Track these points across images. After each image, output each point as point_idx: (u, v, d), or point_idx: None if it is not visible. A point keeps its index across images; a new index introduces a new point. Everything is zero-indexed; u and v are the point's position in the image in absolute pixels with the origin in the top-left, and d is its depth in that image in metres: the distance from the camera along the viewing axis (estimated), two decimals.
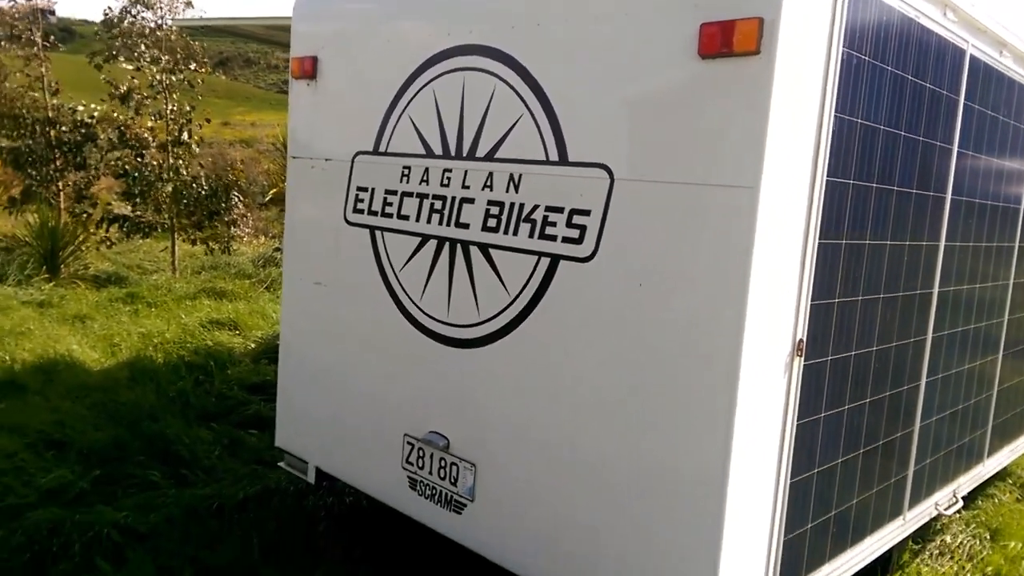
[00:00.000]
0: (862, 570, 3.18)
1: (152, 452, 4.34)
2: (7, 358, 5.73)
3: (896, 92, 2.68)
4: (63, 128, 9.77)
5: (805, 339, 2.45)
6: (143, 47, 9.71)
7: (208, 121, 10.44)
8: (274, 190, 17.38)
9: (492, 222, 2.89)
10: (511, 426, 2.85)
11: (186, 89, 10.08)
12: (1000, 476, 4.72)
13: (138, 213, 9.72)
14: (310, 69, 3.58)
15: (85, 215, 9.66)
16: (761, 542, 2.47)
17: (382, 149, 3.29)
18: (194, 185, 9.85)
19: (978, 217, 3.49)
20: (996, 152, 3.56)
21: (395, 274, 3.25)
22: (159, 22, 9.97)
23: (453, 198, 3.02)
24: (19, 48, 9.76)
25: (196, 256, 10.83)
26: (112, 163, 9.75)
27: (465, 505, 3.00)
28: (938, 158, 3.05)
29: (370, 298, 3.34)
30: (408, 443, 3.19)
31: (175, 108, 9.87)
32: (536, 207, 2.74)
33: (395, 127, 3.23)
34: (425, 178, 3.13)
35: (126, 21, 9.80)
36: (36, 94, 9.86)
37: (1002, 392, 4.17)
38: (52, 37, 10.61)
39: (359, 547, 3.56)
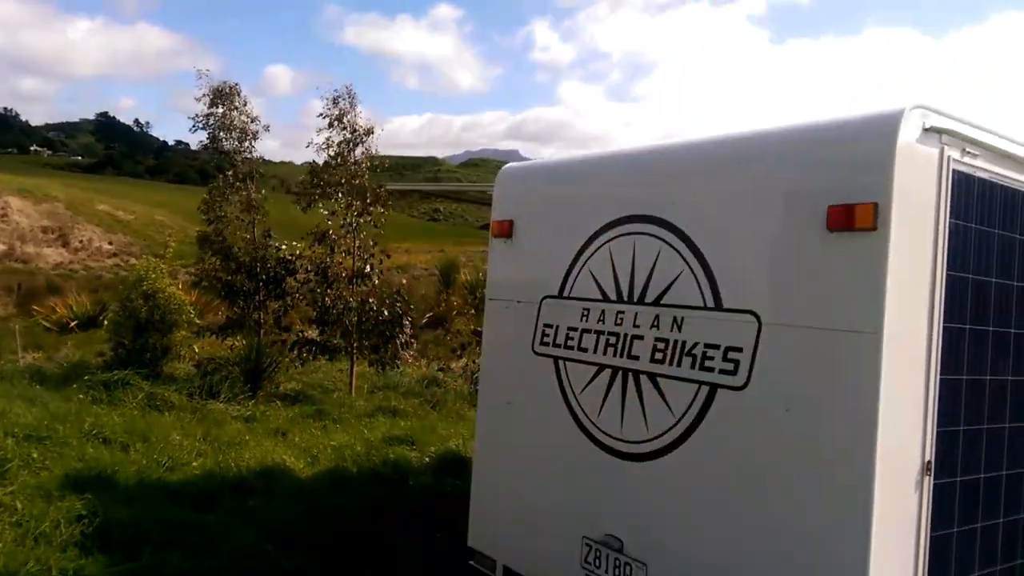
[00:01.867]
0: None
1: (362, 548, 5.17)
2: (233, 465, 6.89)
3: (1006, 250, 3.23)
4: (269, 264, 11.52)
5: (933, 459, 2.94)
6: (340, 194, 11.41)
7: (388, 256, 11.94)
8: (430, 313, 18.93)
9: (659, 355, 3.61)
10: (677, 530, 3.44)
11: (372, 227, 11.64)
12: None
13: (326, 338, 11.17)
14: (507, 230, 4.55)
15: (281, 341, 11.20)
16: None
17: (566, 294, 4.14)
18: (372, 312, 11.22)
19: None
20: None
21: (575, 396, 4.00)
22: (355, 169, 11.59)
23: (625, 335, 3.78)
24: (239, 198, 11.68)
25: (367, 376, 12.10)
26: (307, 294, 11.32)
27: None
28: None
29: (553, 417, 4.09)
30: (586, 544, 3.83)
31: (361, 245, 11.41)
32: (696, 343, 3.44)
33: (577, 277, 4.08)
34: (602, 318, 3.92)
35: (328, 171, 11.52)
36: (247, 234, 11.73)
37: None
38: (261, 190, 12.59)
39: None
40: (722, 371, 3.32)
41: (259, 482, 6.48)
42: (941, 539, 2.99)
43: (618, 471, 3.73)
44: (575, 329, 4.08)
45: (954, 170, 3.00)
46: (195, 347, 12.59)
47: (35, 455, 6.25)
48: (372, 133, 11.82)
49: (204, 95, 11.69)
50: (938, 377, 2.95)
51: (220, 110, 11.79)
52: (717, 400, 3.33)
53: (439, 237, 43.22)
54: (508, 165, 4.92)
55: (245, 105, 11.95)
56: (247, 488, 6.30)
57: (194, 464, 6.88)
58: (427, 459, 7.52)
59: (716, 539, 3.27)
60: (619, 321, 3.84)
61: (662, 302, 3.63)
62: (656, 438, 3.58)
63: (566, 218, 4.22)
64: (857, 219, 2.86)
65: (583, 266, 4.06)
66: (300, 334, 11.54)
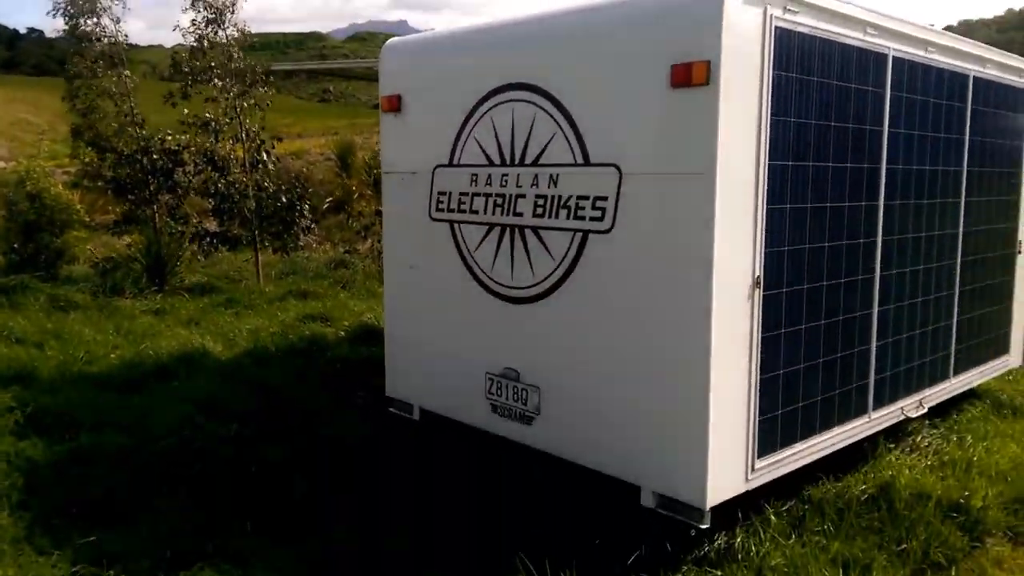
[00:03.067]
0: (846, 456, 4.35)
1: (287, 413, 5.69)
2: (152, 353, 7.20)
3: (823, 95, 3.83)
4: (155, 156, 11.32)
5: (762, 275, 3.62)
6: (215, 79, 11.14)
7: (280, 140, 11.89)
8: (330, 199, 18.95)
9: (539, 210, 4.13)
10: (563, 355, 4.08)
11: (256, 112, 11.49)
12: (976, 395, 5.77)
13: (225, 228, 11.25)
14: (396, 104, 4.89)
15: (179, 232, 11.21)
16: (740, 418, 3.65)
17: (455, 162, 4.57)
18: (270, 199, 11.31)
19: (916, 180, 4.59)
20: (927, 127, 4.65)
21: (471, 253, 4.52)
22: (226, 50, 11.26)
23: (510, 194, 4.28)
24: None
25: (273, 264, 12.31)
26: (199, 185, 11.27)
27: (533, 418, 4.25)
28: (869, 138, 4.18)
29: (453, 273, 4.62)
30: (489, 378, 4.46)
31: (249, 131, 11.30)
32: (571, 196, 3.97)
33: (464, 145, 4.50)
34: (489, 181, 4.39)
35: (196, 56, 11.16)
36: (130, 129, 11.42)
37: (962, 322, 5.24)
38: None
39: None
40: (592, 218, 3.88)
41: (180, 366, 6.83)
42: (771, 339, 3.72)
43: (512, 313, 4.32)
44: (466, 194, 4.54)
45: (776, 27, 3.53)
46: (89, 247, 12.45)
47: None
48: (235, 8, 11.40)
49: None
50: (765, 207, 3.59)
51: None
52: (589, 244, 3.91)
53: (331, 118, 41.91)
54: (391, 40, 5.18)
55: None
56: (169, 372, 6.66)
57: (111, 356, 7.15)
58: (342, 333, 8.01)
59: (594, 361, 3.93)
60: (504, 183, 4.32)
61: (540, 162, 4.12)
62: (542, 282, 4.16)
63: (450, 90, 4.58)
64: (693, 76, 3.37)
65: (469, 135, 4.48)
66: (198, 226, 11.55)
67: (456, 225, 4.61)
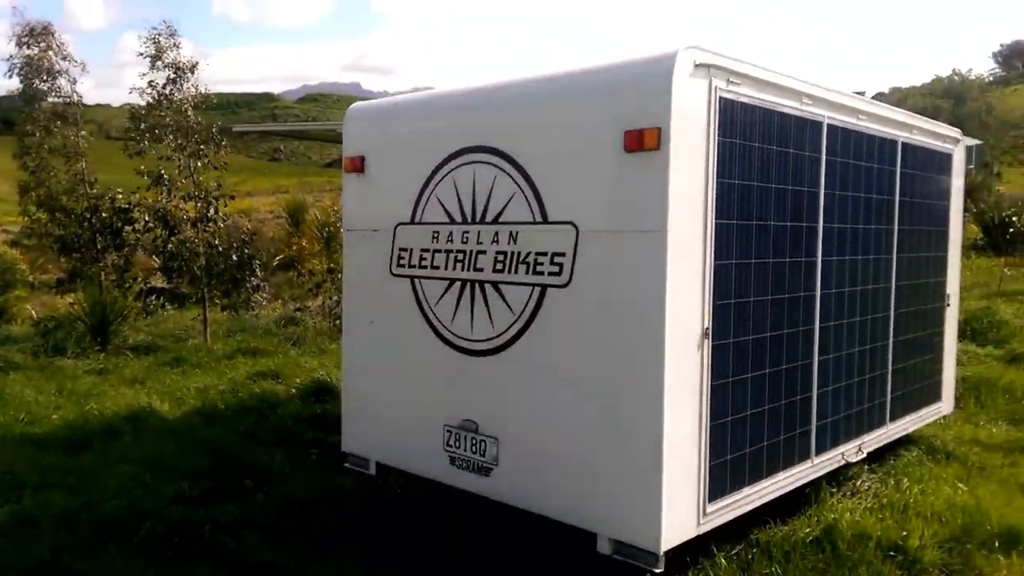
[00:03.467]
0: (791, 501, 4.53)
1: (239, 471, 5.64)
2: (97, 413, 7.06)
3: (764, 159, 4.13)
4: (103, 214, 11.24)
5: (711, 327, 3.84)
6: (170, 136, 11.19)
7: (233, 198, 11.91)
8: (279, 256, 18.90)
9: (499, 266, 4.30)
10: (522, 407, 4.20)
11: (211, 169, 11.54)
12: (911, 440, 6.06)
13: (173, 285, 11.15)
14: (359, 165, 5.05)
15: (127, 289, 11.07)
16: (692, 464, 3.80)
17: (417, 220, 4.73)
18: (221, 257, 11.29)
19: (851, 238, 4.91)
20: (861, 189, 5.00)
21: (431, 308, 4.65)
22: (182, 108, 11.34)
23: (471, 251, 4.44)
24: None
25: (221, 322, 12.20)
26: (149, 243, 11.19)
27: (491, 469, 4.33)
28: (807, 199, 4.49)
29: (412, 328, 4.73)
30: (447, 431, 4.54)
31: (200, 188, 11.30)
32: (529, 252, 4.15)
33: (427, 204, 4.67)
34: (450, 238, 4.55)
35: (154, 113, 11.23)
36: (80, 188, 11.34)
37: (897, 371, 5.54)
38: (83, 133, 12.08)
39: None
40: (550, 273, 4.06)
41: (126, 425, 6.74)
42: (719, 387, 3.92)
43: (471, 366, 4.43)
44: (427, 250, 4.69)
45: (720, 97, 3.82)
46: (27, 306, 12.17)
47: None
48: (196, 70, 11.56)
49: (15, 35, 11.03)
50: (712, 263, 3.82)
51: (35, 51, 11.18)
52: (547, 297, 4.08)
53: (282, 177, 41.93)
54: (356, 104, 5.37)
55: (61, 45, 11.40)
56: (115, 432, 6.56)
57: (54, 417, 7.01)
58: (293, 390, 7.97)
59: (552, 412, 4.06)
60: (465, 240, 4.49)
61: (500, 220, 4.30)
62: (501, 334, 4.29)
63: (413, 151, 4.77)
64: (645, 141, 3.62)
65: (431, 194, 4.65)
66: (145, 283, 11.43)
67: (417, 280, 4.74)
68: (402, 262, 4.84)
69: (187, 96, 11.34)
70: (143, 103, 11.43)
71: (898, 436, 5.73)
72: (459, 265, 4.51)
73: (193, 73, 11.51)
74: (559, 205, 4.03)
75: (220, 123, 12.07)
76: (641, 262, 3.67)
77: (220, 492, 5.20)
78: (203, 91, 11.66)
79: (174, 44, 11.31)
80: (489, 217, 4.36)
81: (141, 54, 11.18)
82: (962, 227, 6.67)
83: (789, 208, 4.35)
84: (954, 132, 6.20)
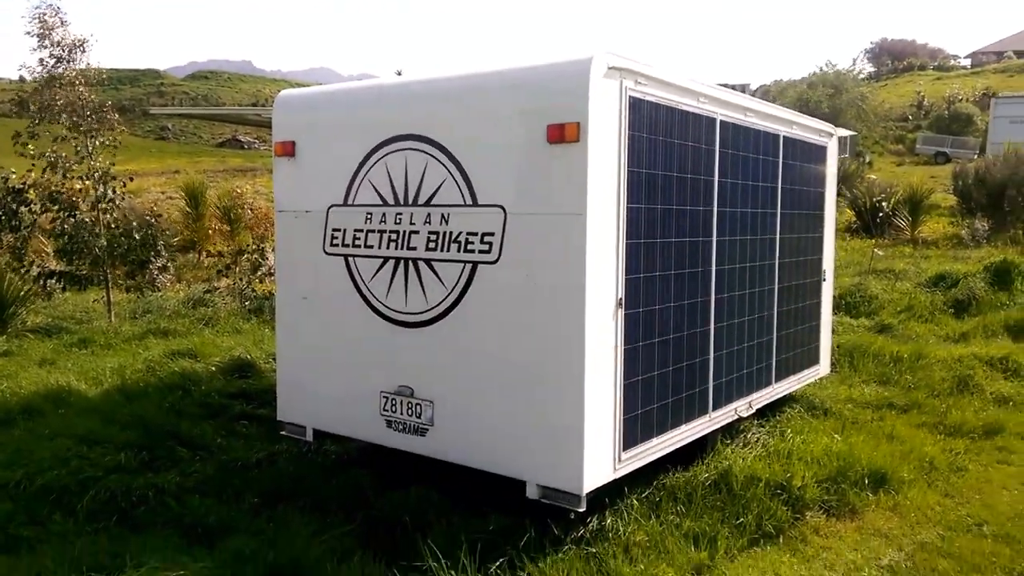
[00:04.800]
0: (691, 450, 5.21)
1: (172, 443, 5.89)
2: (11, 391, 7.08)
3: (667, 151, 4.74)
4: None
5: (623, 297, 4.43)
6: (63, 116, 10.95)
7: (132, 179, 11.76)
8: (178, 238, 18.55)
9: (432, 244, 4.76)
10: (455, 372, 4.69)
11: (107, 149, 11.35)
12: (793, 399, 6.93)
13: (74, 267, 10.97)
14: (291, 149, 5.37)
15: (24, 272, 10.82)
16: (608, 417, 4.40)
17: (350, 202, 5.11)
18: (123, 238, 11.18)
19: (740, 221, 5.63)
20: (748, 178, 5.72)
21: (366, 284, 5.06)
22: (74, 88, 11.14)
23: (404, 231, 4.88)
24: None
25: (125, 304, 12.06)
26: (47, 224, 10.95)
27: (427, 429, 4.81)
28: (703, 186, 5.14)
29: (347, 302, 5.13)
30: (384, 396, 4.98)
31: (101, 169, 11.13)
32: (461, 232, 4.63)
33: (359, 187, 5.06)
34: (383, 220, 4.97)
35: (44, 93, 10.97)
36: None
37: (780, 337, 6.35)
38: None
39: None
40: (480, 251, 4.55)
41: (47, 404, 6.80)
42: (631, 350, 4.52)
43: (406, 337, 4.88)
44: (361, 231, 5.09)
45: (630, 96, 4.39)
46: None
47: None
48: (84, 46, 11.34)
49: None
50: (624, 241, 4.41)
51: None
52: (478, 273, 4.57)
53: (170, 156, 40.42)
54: (285, 92, 5.68)
55: None
56: (37, 410, 6.63)
57: None
58: (213, 368, 8.15)
59: (484, 375, 4.57)
60: (398, 221, 4.92)
61: (432, 203, 4.76)
62: (434, 307, 4.76)
63: (345, 137, 5.14)
64: (567, 134, 4.15)
65: (364, 177, 5.04)
66: (42, 266, 11.19)
67: (351, 259, 5.13)
68: (335, 241, 5.22)
69: (77, 73, 11.12)
70: (31, 80, 11.12)
71: (783, 395, 6.57)
72: (392, 244, 4.94)
73: (83, 51, 11.30)
74: (488, 190, 4.52)
75: (111, 102, 11.84)
76: (564, 240, 4.22)
77: (157, 462, 5.46)
78: (97, 69, 11.44)
79: (60, 22, 11.06)
80: (421, 200, 4.80)
81: (28, 33, 10.89)
82: (835, 210, 7.57)
83: (688, 194, 4.99)
84: (828, 127, 7.05)
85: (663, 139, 4.71)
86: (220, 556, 4.16)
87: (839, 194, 22.01)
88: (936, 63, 65.53)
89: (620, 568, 4.24)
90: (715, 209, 5.30)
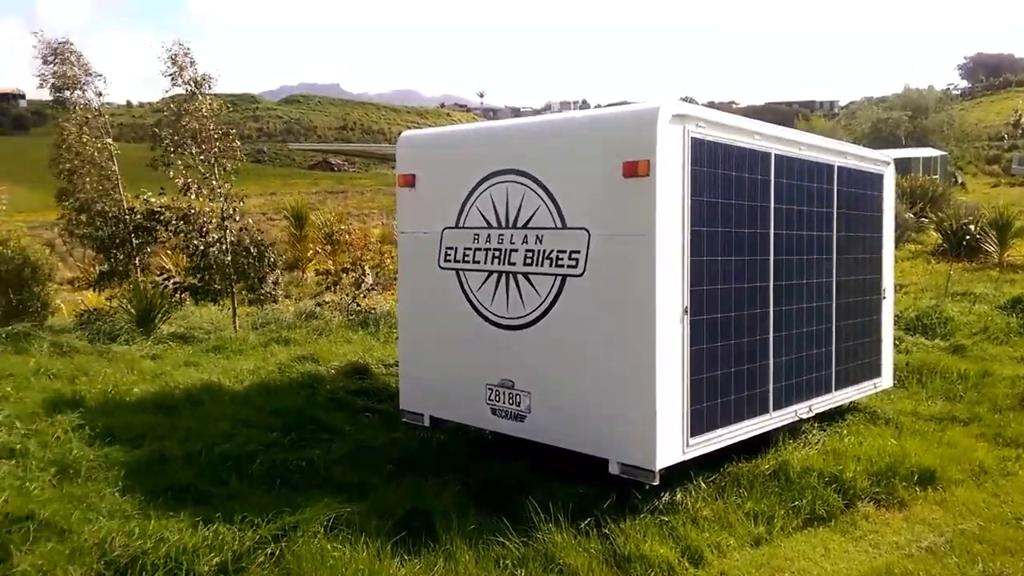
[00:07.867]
0: (756, 445, 6.12)
1: (312, 427, 7.18)
2: (172, 385, 8.56)
3: (726, 182, 5.74)
4: (138, 216, 12.72)
5: (689, 306, 5.44)
6: (192, 147, 12.63)
7: (243, 201, 13.41)
8: (284, 256, 20.37)
9: (528, 260, 5.89)
10: (549, 367, 5.79)
11: (228, 174, 12.98)
12: (856, 409, 7.71)
13: (205, 282, 12.65)
14: (411, 181, 6.63)
15: (163, 286, 12.55)
16: (677, 407, 5.40)
17: (461, 225, 6.31)
18: (245, 255, 12.79)
19: (797, 242, 6.54)
20: (804, 203, 6.63)
21: (474, 293, 6.23)
22: (203, 120, 12.80)
23: (506, 249, 6.03)
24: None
25: (244, 316, 13.64)
26: (181, 242, 12.68)
27: (525, 416, 5.92)
28: (760, 212, 6.11)
29: (458, 310, 6.31)
30: (488, 388, 6.12)
31: (225, 192, 12.75)
32: (552, 250, 5.75)
33: (469, 212, 6.25)
34: (488, 239, 6.14)
35: (176, 126, 12.68)
36: (113, 193, 12.79)
37: (840, 349, 7.19)
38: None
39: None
40: (569, 266, 5.65)
41: (204, 395, 8.23)
42: (696, 351, 5.52)
43: (507, 338, 6.02)
44: (470, 249, 6.28)
45: (692, 137, 5.43)
46: (59, 301, 13.59)
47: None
48: (209, 82, 13.04)
49: (40, 55, 12.51)
50: (688, 259, 5.43)
51: (63, 68, 12.63)
52: (567, 285, 5.67)
53: (267, 178, 43.30)
54: (408, 132, 6.98)
55: (79, 59, 12.85)
56: (197, 400, 8.05)
57: (135, 390, 8.47)
58: (333, 370, 9.49)
59: (573, 370, 5.65)
60: (500, 241, 6.07)
61: (528, 226, 5.89)
62: (530, 313, 5.89)
63: (457, 171, 6.36)
64: (639, 169, 5.23)
65: (472, 204, 6.24)
66: (178, 282, 12.90)
67: (462, 272, 6.31)
68: (448, 258, 6.42)
69: (205, 107, 12.82)
70: (166, 114, 12.91)
71: (843, 402, 7.41)
72: (496, 260, 6.10)
73: (210, 87, 13.02)
74: (575, 215, 5.63)
75: (234, 130, 13.53)
76: (638, 257, 5.28)
77: (302, 441, 6.76)
78: (223, 102, 13.15)
79: (190, 61, 12.81)
80: (520, 223, 5.94)
81: (162, 73, 12.67)
82: (894, 233, 8.34)
83: (746, 218, 5.97)
84: (884, 156, 7.89)
85: (722, 172, 5.72)
86: (368, 505, 5.36)
87: (925, 216, 22.07)
88: None
89: (688, 533, 5.21)
90: (771, 231, 6.25)
